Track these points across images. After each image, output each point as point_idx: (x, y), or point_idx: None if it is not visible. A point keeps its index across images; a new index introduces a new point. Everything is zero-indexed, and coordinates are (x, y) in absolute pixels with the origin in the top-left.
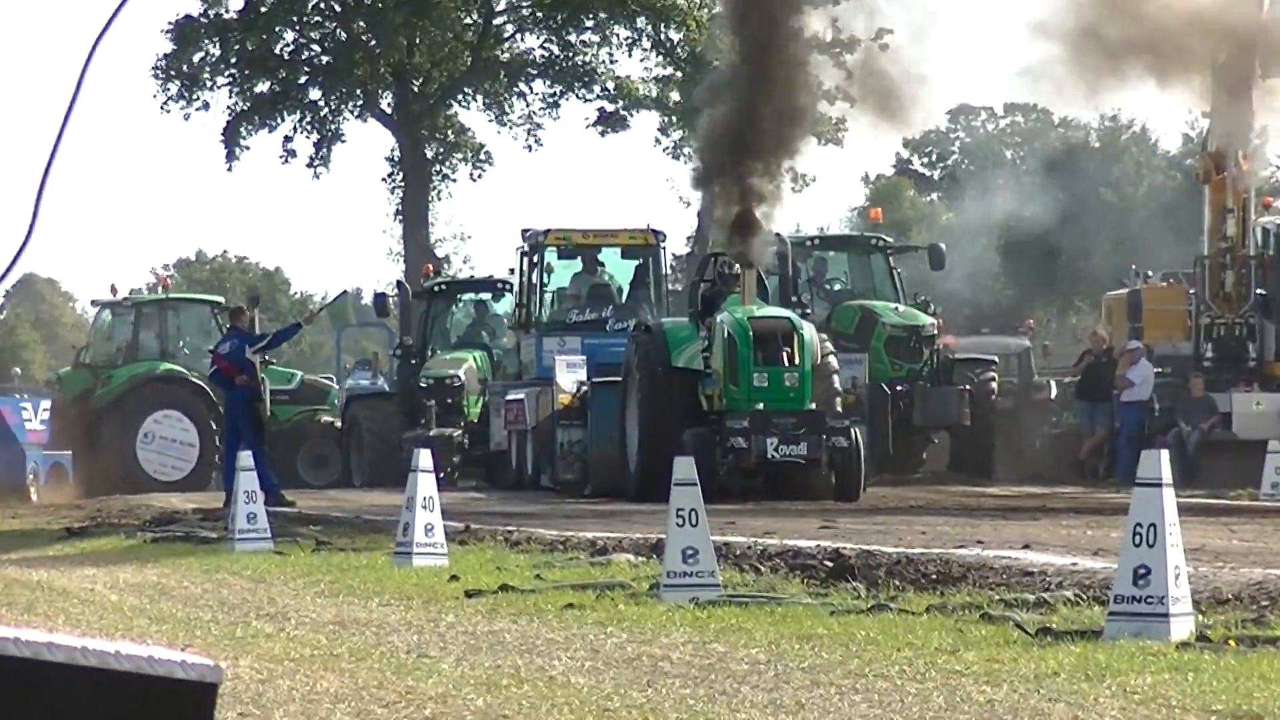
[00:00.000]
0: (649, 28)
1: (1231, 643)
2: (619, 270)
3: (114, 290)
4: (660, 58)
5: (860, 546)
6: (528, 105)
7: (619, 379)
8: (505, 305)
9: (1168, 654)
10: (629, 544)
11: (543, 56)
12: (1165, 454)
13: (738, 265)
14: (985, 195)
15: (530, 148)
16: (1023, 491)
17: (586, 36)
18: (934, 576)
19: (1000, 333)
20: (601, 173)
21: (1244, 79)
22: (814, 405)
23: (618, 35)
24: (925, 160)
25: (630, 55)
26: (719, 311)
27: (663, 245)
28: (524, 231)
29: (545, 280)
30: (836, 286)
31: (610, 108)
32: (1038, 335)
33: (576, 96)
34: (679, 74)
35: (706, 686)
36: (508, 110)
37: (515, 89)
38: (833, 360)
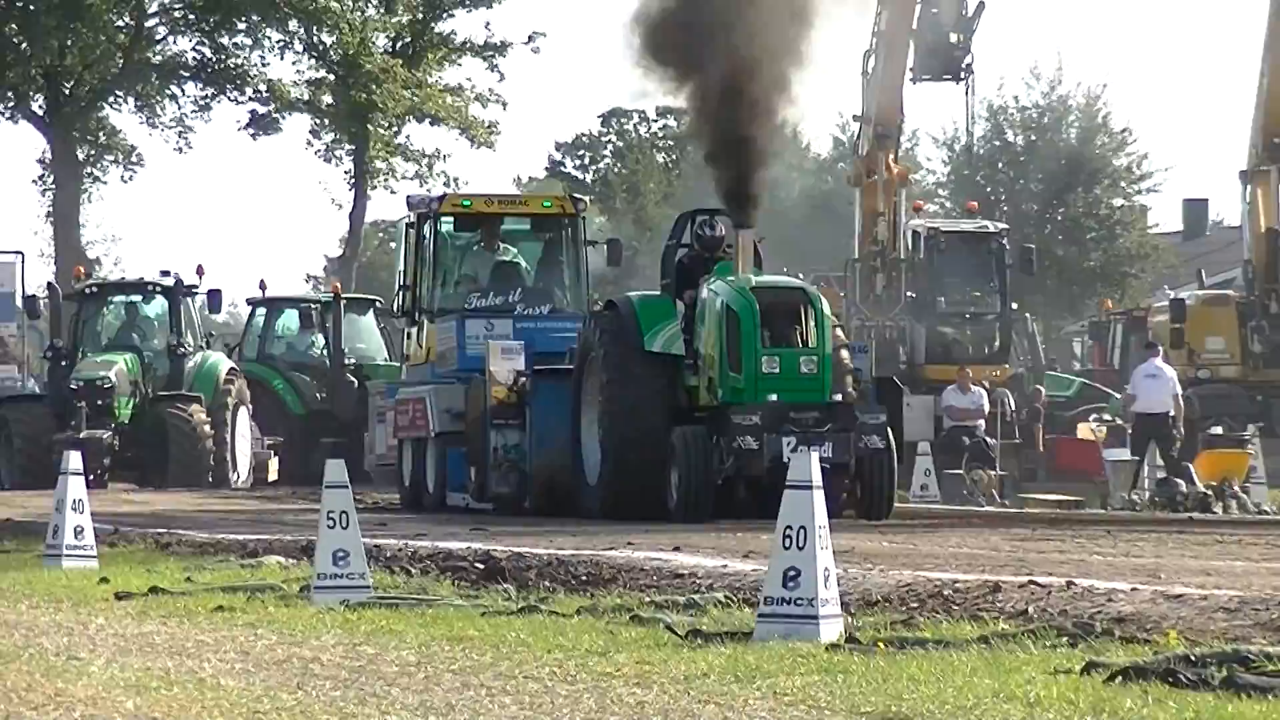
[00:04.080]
0: (301, 31)
1: (881, 645)
2: (526, 246)
3: None
4: (313, 61)
5: (511, 549)
6: (179, 107)
7: (567, 368)
8: (157, 308)
9: (817, 656)
10: (279, 546)
11: (195, 59)
12: (815, 456)
13: (720, 227)
14: (636, 198)
15: (181, 150)
16: None
17: (239, 39)
18: (585, 578)
19: None
20: (253, 175)
21: (895, 82)
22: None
23: (270, 38)
24: (577, 163)
25: (282, 58)
26: (705, 282)
27: (583, 215)
28: (410, 199)
29: (437, 258)
30: None
31: (262, 110)
32: None
33: (228, 99)
34: (331, 77)
35: (357, 688)
36: (159, 112)
37: (167, 91)
38: (845, 353)
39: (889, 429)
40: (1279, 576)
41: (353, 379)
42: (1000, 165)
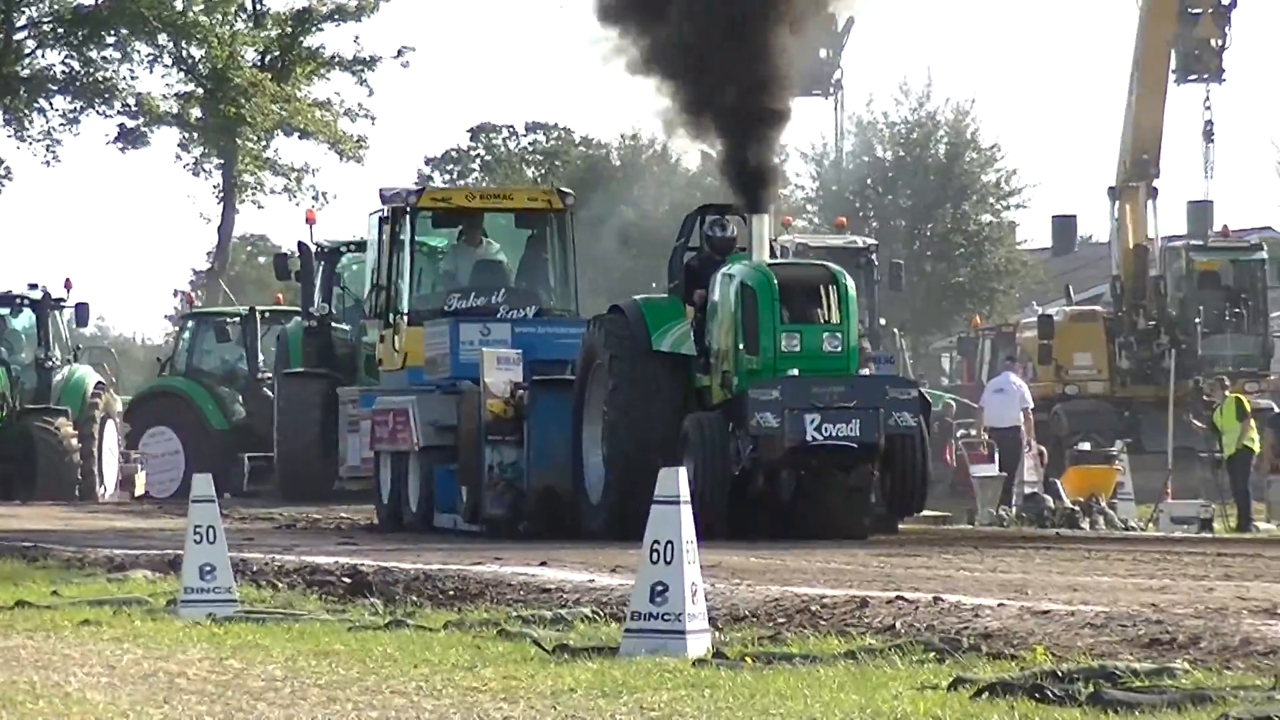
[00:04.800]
0: (170, 44)
1: (748, 660)
2: (510, 242)
3: None
4: (181, 74)
5: (378, 563)
6: (47, 121)
7: (568, 379)
8: (24, 321)
9: (684, 671)
10: (146, 560)
11: (63, 72)
12: (683, 471)
13: (731, 227)
14: None
15: (49, 163)
16: None
17: (108, 53)
18: (452, 593)
19: None
20: (122, 188)
21: None
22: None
23: (139, 52)
24: (446, 177)
25: (151, 72)
26: (716, 277)
27: (571, 210)
28: (384, 193)
29: (413, 256)
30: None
31: (131, 124)
32: None
33: (97, 112)
34: (200, 90)
35: (223, 703)
36: (27, 126)
37: (35, 104)
38: (866, 342)
39: (919, 406)
40: (1146, 592)
41: (269, 392)
42: (869, 181)
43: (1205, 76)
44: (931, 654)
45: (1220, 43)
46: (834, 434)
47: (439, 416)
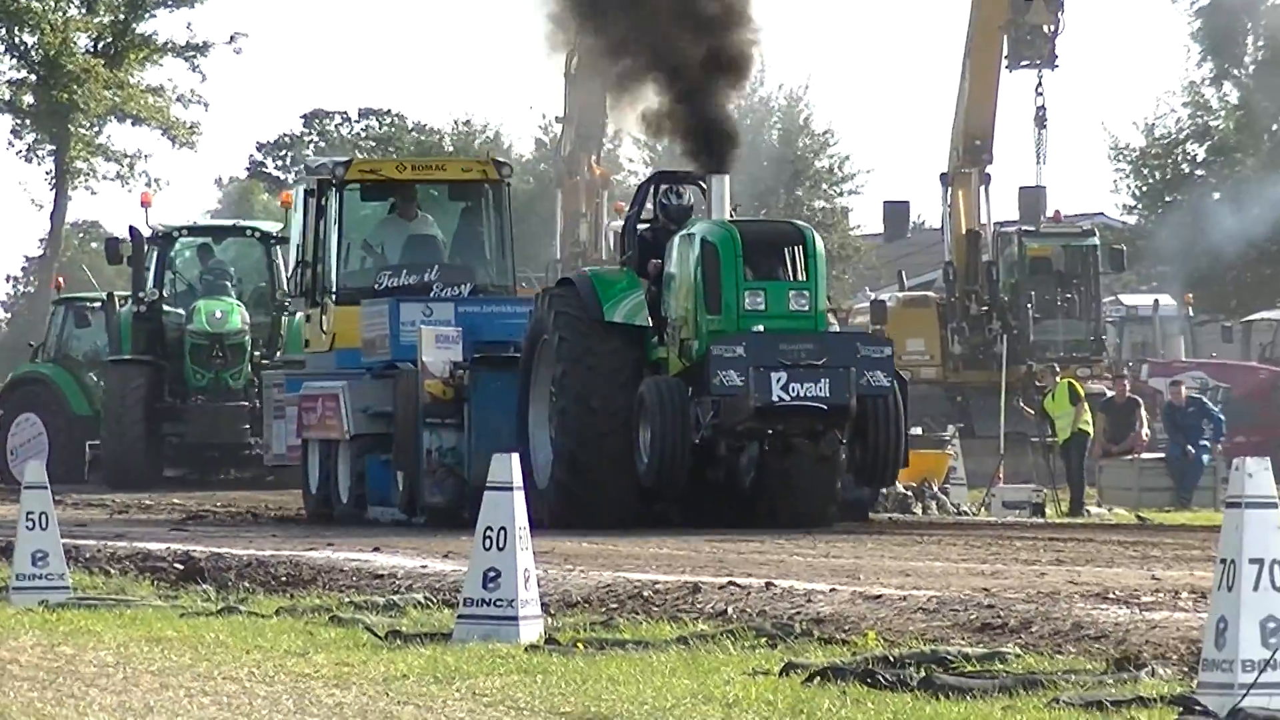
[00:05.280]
0: (2, 30)
1: (580, 645)
2: (444, 216)
3: None
4: (14, 61)
5: (210, 549)
6: None
7: (512, 357)
8: None
9: (517, 656)
10: None
11: None
12: (516, 458)
13: (688, 195)
14: None
15: None
16: None
17: None
18: (284, 579)
19: None
20: None
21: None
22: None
23: None
24: (279, 163)
25: None
26: (676, 236)
27: (507, 181)
28: (309, 164)
29: (341, 231)
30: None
31: None
32: None
33: None
34: (32, 77)
35: (55, 689)
36: None
37: None
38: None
39: (893, 366)
40: (978, 577)
41: None
42: None
43: (1037, 62)
44: (763, 639)
45: (1052, 28)
46: (802, 394)
47: (371, 402)
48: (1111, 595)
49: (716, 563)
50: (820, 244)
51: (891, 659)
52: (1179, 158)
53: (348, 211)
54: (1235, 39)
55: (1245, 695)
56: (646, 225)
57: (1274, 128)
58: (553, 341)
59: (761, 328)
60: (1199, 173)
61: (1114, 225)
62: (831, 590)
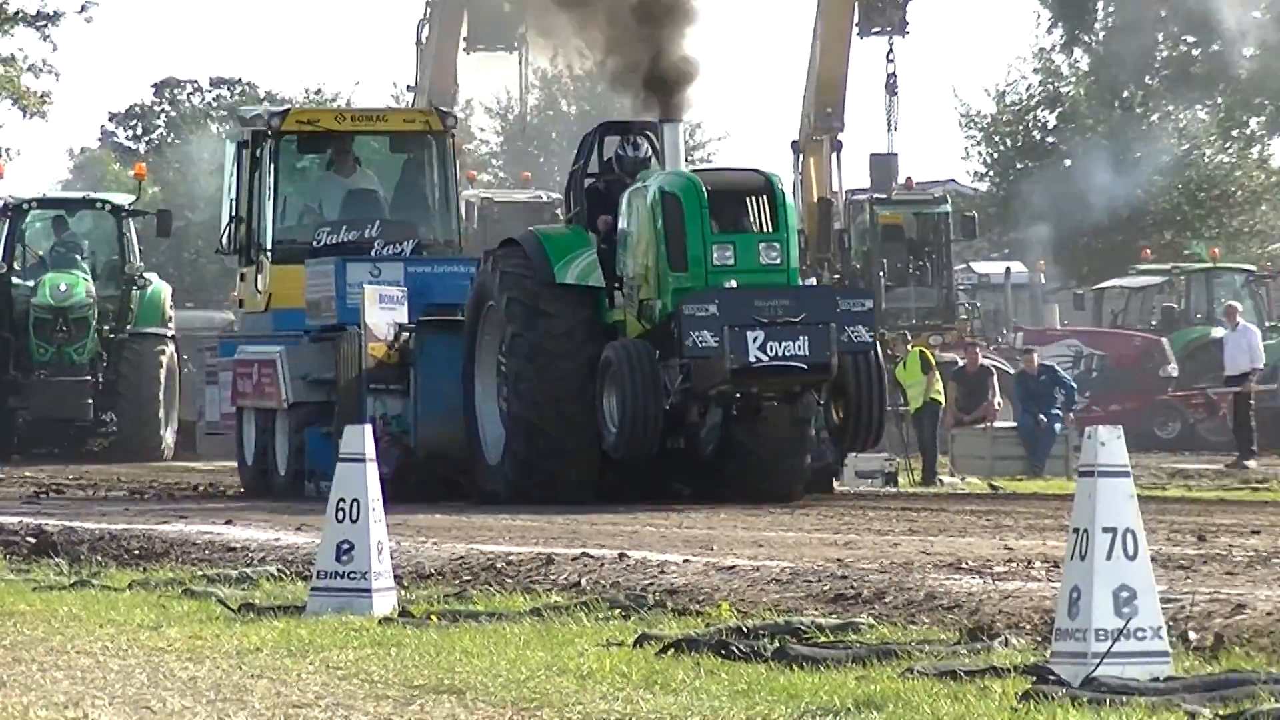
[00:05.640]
0: None
1: (434, 618)
2: (384, 169)
3: None
4: None
5: (63, 523)
6: None
7: (459, 320)
8: None
9: (370, 629)
10: None
11: None
12: (369, 429)
13: (644, 146)
14: (189, 166)
15: None
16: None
17: None
18: (137, 552)
19: (205, 307)
20: None
21: (448, 51)
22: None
23: None
24: (130, 134)
25: None
26: (626, 195)
27: (453, 132)
28: (243, 114)
29: (277, 185)
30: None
31: None
32: None
33: None
34: None
35: None
36: None
37: None
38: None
39: (874, 319)
40: (831, 547)
41: None
42: (554, 135)
43: (888, 29)
44: (617, 611)
45: None
46: (780, 353)
47: (311, 369)
48: (964, 565)
49: (569, 534)
50: (787, 192)
51: (745, 630)
52: (1030, 125)
53: (283, 164)
54: (1085, 5)
55: (1099, 664)
56: (593, 179)
57: (1125, 94)
58: (500, 305)
59: (734, 283)
60: (1050, 140)
61: (965, 192)
62: (685, 561)
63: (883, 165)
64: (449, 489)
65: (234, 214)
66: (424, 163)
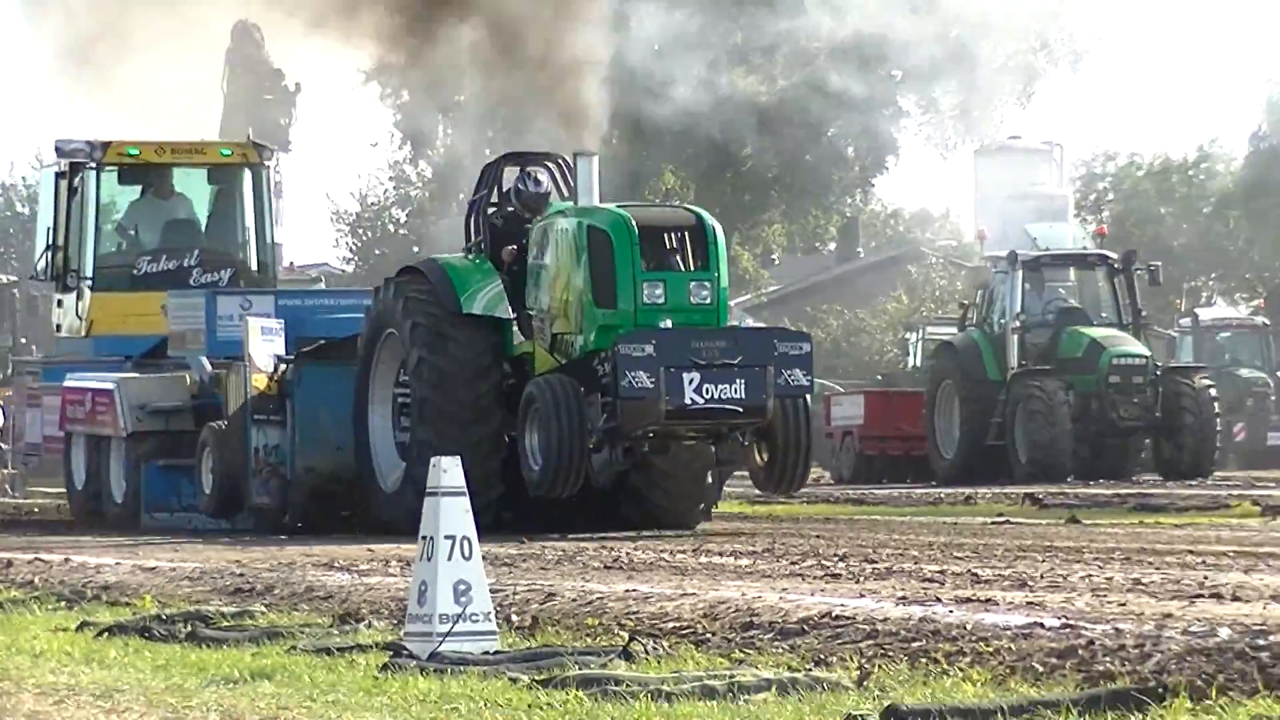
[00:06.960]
0: None
1: None
2: (199, 198)
3: None
4: None
5: None
6: None
7: (336, 349)
8: None
9: None
10: None
11: None
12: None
13: (545, 181)
14: None
15: None
16: None
17: None
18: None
19: None
20: None
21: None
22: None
23: None
24: None
25: None
26: (535, 227)
27: (267, 164)
28: (61, 146)
29: (98, 215)
30: None
31: None
32: None
33: None
34: None
35: None
36: None
37: None
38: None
39: (810, 362)
40: (233, 551)
41: None
42: None
43: (274, 147)
44: (63, 603)
45: (286, 120)
46: (716, 395)
47: (149, 399)
48: (337, 564)
49: (118, 547)
50: (719, 229)
51: (164, 617)
52: (386, 220)
53: (104, 194)
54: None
55: (442, 642)
56: (495, 209)
57: (461, 197)
58: (403, 331)
59: (669, 323)
60: (402, 231)
61: (335, 273)
62: (117, 564)
63: None
64: (326, 519)
65: (50, 242)
66: (237, 192)
